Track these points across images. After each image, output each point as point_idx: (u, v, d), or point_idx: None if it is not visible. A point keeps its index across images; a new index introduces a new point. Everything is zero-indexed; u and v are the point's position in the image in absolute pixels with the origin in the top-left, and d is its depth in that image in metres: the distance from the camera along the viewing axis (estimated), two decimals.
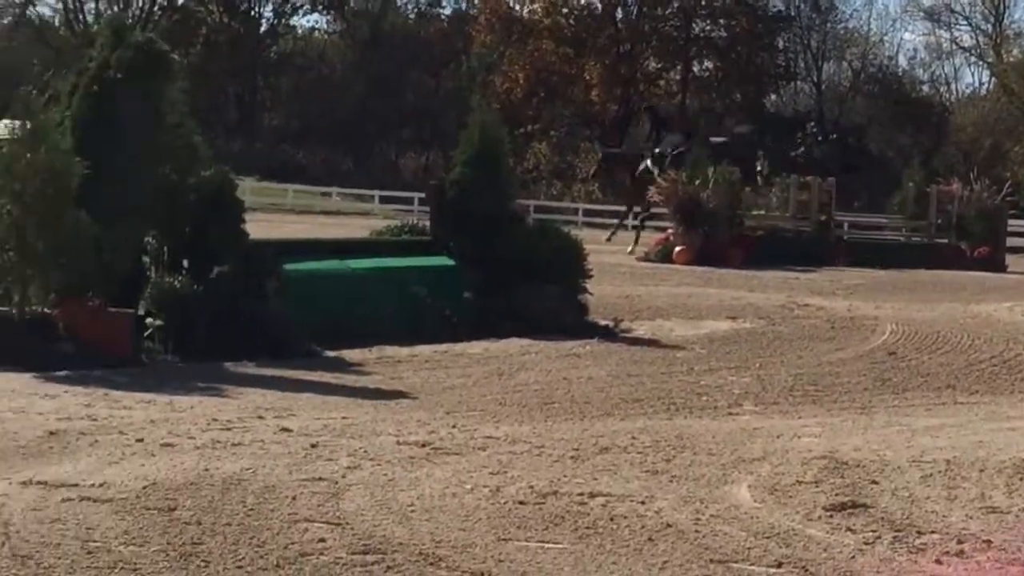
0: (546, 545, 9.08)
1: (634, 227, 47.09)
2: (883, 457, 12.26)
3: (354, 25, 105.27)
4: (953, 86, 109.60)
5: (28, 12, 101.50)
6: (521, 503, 10.13)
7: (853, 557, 9.14)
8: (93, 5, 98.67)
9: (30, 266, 16.02)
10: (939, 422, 14.72)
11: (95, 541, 8.69)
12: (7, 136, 16.57)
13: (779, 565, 8.87)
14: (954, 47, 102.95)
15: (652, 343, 20.76)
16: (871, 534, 9.68)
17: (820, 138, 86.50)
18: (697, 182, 41.22)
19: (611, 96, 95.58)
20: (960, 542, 9.59)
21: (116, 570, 8.13)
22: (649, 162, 47.51)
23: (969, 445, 13.05)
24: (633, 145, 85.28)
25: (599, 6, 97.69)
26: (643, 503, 10.27)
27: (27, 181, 15.99)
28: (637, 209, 50.00)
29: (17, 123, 16.57)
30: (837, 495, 10.72)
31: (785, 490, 10.92)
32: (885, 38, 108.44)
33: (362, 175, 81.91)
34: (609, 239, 42.95)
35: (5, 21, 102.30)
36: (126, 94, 17.08)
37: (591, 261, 22.76)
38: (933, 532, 9.82)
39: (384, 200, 71.40)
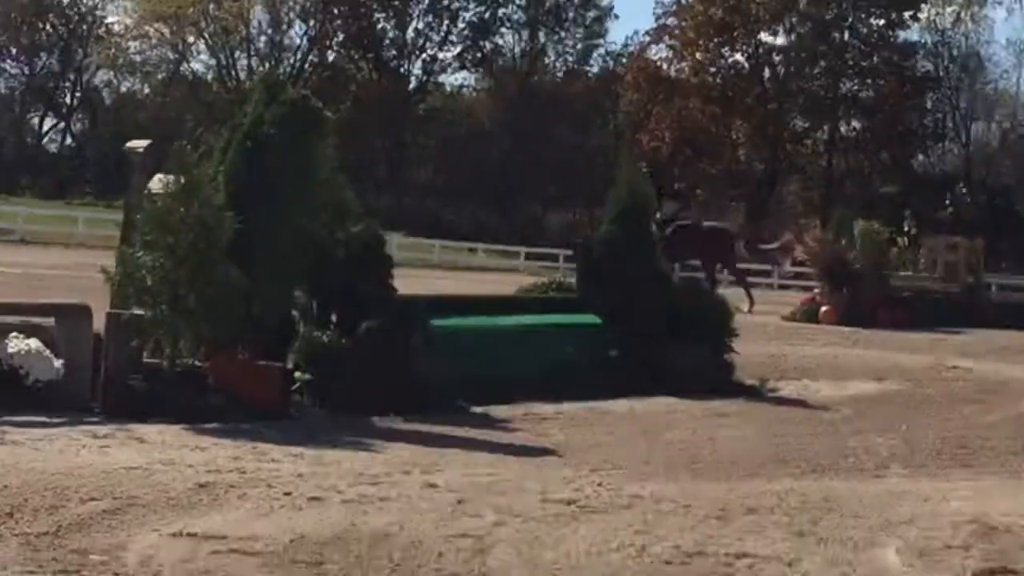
0: None
1: None
2: None
3: (502, 82, 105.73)
4: None
5: (182, 68, 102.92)
6: (667, 563, 10.10)
7: None
8: (245, 62, 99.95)
9: (181, 319, 16.18)
10: None
11: None
12: (161, 190, 16.76)
13: None
14: None
15: (798, 403, 20.61)
16: None
17: (968, 199, 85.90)
18: (843, 241, 41.07)
19: (757, 156, 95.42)
20: None
21: None
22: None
23: None
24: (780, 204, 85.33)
25: (747, 66, 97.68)
26: (790, 565, 10.21)
27: (180, 235, 16.19)
28: None
29: (171, 177, 16.76)
30: (987, 560, 10.59)
31: (933, 554, 10.82)
32: None
33: (508, 231, 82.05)
34: None
35: (160, 76, 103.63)
36: (279, 150, 17.25)
37: (736, 320, 22.69)
38: None
39: (530, 257, 71.65)
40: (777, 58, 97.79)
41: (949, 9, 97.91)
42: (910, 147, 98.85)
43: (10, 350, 15.43)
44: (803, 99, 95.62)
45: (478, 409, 17.54)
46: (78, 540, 9.70)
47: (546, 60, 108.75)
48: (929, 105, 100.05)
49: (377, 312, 17.39)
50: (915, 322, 37.20)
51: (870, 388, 22.96)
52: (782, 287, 58.10)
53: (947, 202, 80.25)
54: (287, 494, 11.71)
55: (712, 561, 10.19)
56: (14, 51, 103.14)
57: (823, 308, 39.05)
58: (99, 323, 16.25)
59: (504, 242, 75.91)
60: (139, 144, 18.67)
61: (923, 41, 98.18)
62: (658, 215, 43.08)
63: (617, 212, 22.39)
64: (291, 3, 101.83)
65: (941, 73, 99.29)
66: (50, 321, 16.28)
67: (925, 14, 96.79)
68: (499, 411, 17.60)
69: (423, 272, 42.20)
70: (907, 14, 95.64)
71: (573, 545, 10.42)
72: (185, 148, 16.84)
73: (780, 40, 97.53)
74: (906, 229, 48.46)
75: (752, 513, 12.00)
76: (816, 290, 41.78)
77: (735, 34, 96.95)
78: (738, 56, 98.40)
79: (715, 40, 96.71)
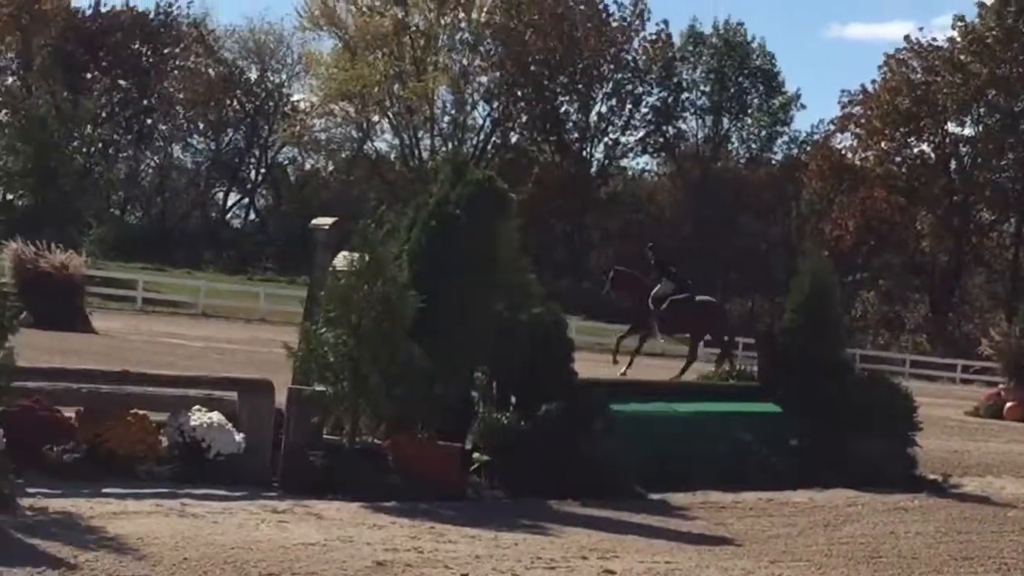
0: None
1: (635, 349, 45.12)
2: None
3: (684, 167, 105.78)
4: None
5: (365, 146, 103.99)
6: None
7: None
8: (428, 141, 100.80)
9: (363, 396, 16.27)
10: None
11: None
12: (346, 268, 16.90)
13: None
14: None
15: (982, 500, 20.30)
16: None
17: None
18: None
19: (942, 247, 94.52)
20: None
21: None
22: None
23: None
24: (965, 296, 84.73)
25: (932, 156, 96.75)
26: None
27: (363, 312, 16.30)
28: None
29: (356, 255, 16.90)
30: None
31: None
32: None
33: None
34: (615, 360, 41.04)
35: (343, 154, 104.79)
36: (464, 230, 17.33)
37: (925, 415, 22.43)
38: None
39: (710, 344, 71.30)
40: (964, 149, 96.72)
41: None
42: None
43: (192, 423, 15.59)
44: (990, 191, 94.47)
45: (656, 496, 17.45)
46: None
47: (729, 146, 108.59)
48: None
49: (557, 395, 17.36)
50: None
51: None
52: (964, 381, 57.36)
53: None
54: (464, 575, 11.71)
55: None
56: (201, 126, 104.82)
57: (1008, 404, 38.45)
58: (280, 398, 16.40)
59: None
60: (324, 221, 18.84)
61: None
62: (655, 291, 42.83)
63: (800, 301, 22.26)
64: (475, 84, 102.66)
65: None
66: (232, 395, 16.46)
67: None
68: (677, 498, 17.52)
69: (601, 357, 42.12)
70: None
71: None
72: (369, 226, 16.95)
73: (967, 131, 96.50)
74: None
75: None
76: (1001, 385, 41.14)
77: (921, 124, 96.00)
78: (924, 146, 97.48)
79: (901, 130, 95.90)
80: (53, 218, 63.77)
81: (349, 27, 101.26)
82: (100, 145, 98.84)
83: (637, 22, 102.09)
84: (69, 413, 15.30)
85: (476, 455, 16.72)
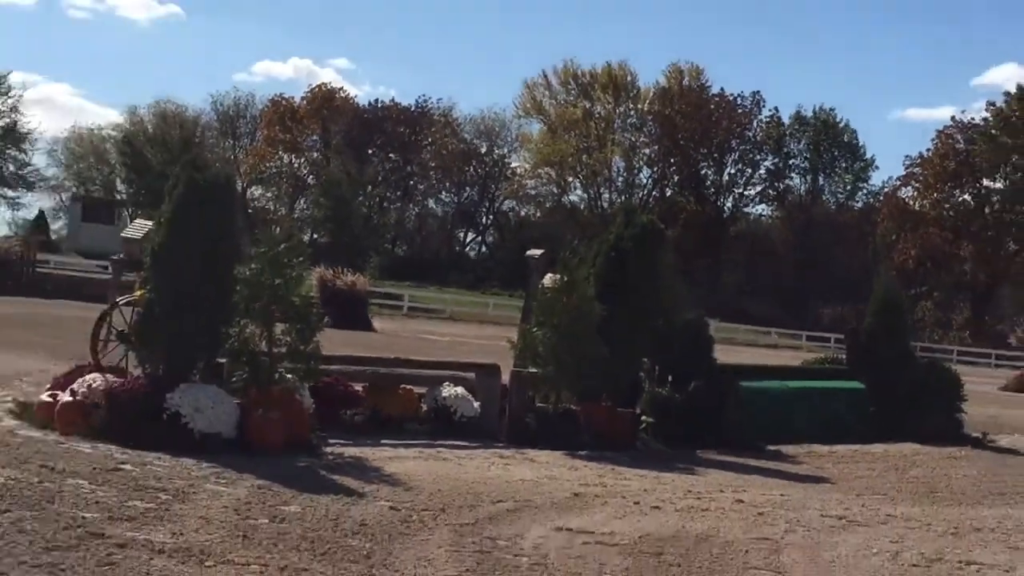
0: None
1: None
2: None
3: (791, 213, 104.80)
4: None
5: (562, 199, 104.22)
6: (914, 566, 9.84)
7: None
8: (608, 195, 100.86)
9: (563, 377, 16.36)
10: None
11: (607, 574, 8.78)
12: (550, 285, 17.01)
13: None
14: None
15: (1012, 451, 20.04)
16: None
17: None
18: None
19: (980, 269, 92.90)
20: None
21: None
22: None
23: None
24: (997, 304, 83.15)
25: (972, 203, 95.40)
26: (1007, 571, 9.87)
27: (562, 317, 16.39)
28: None
29: (557, 276, 17.01)
30: None
31: None
32: None
33: (793, 320, 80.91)
34: None
35: (547, 205, 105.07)
36: (634, 258, 17.37)
37: (969, 391, 22.08)
38: None
39: (809, 339, 70.92)
40: (995, 198, 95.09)
41: None
42: None
43: (444, 394, 15.83)
44: (1014, 228, 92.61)
45: (772, 447, 17.33)
46: (489, 530, 9.81)
47: (824, 196, 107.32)
48: None
49: (701, 375, 17.33)
50: None
51: None
52: (997, 366, 56.13)
53: None
54: (636, 503, 11.70)
55: (948, 566, 9.91)
56: (447, 185, 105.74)
57: None
58: (505, 377, 16.50)
59: (790, 328, 74.99)
60: (535, 252, 18.92)
61: None
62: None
63: (876, 308, 22.10)
64: (641, 154, 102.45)
65: None
66: (471, 375, 16.60)
67: None
68: (788, 449, 17.40)
69: (730, 348, 41.80)
70: None
71: (843, 550, 10.22)
72: (567, 257, 17.05)
73: (998, 184, 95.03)
74: None
75: (978, 532, 11.64)
76: None
77: (963, 180, 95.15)
78: (966, 196, 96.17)
79: (948, 184, 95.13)
80: (346, 251, 64.77)
81: (551, 115, 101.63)
82: (377, 200, 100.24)
83: (755, 109, 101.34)
84: (358, 387, 15.53)
85: (644, 418, 16.77)
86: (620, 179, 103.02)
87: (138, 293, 13.92)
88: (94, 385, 12.80)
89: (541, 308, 17.00)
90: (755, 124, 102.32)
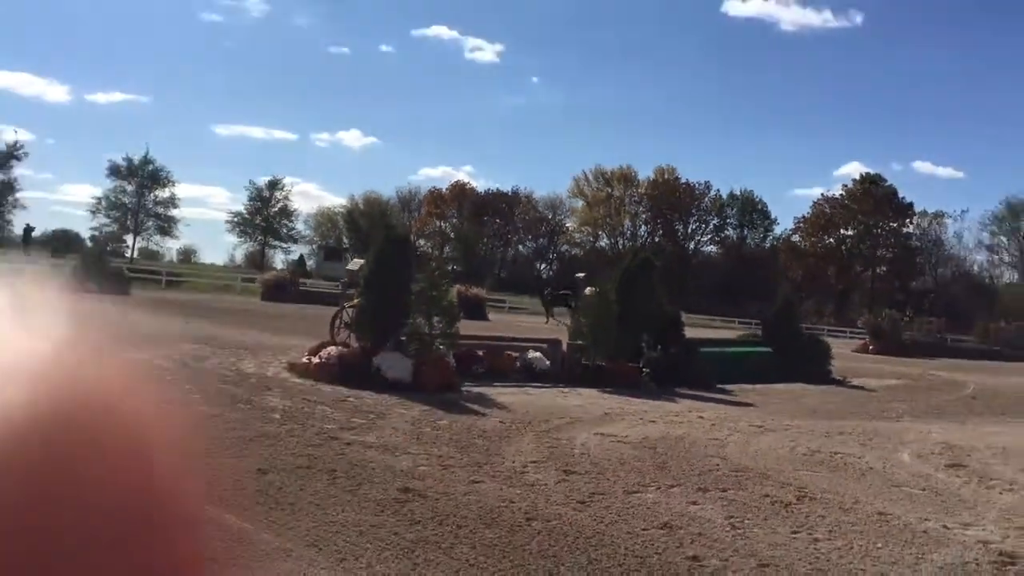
0: (815, 472, 8.62)
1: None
2: (972, 444, 11.16)
3: (728, 250, 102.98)
4: None
5: (595, 245, 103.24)
6: (804, 454, 9.65)
7: (960, 488, 8.35)
8: (621, 242, 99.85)
9: (597, 345, 16.14)
10: (999, 429, 13.27)
11: (623, 458, 8.72)
12: (590, 294, 16.98)
13: (923, 489, 8.18)
14: None
15: (860, 388, 19.42)
16: (968, 478, 8.82)
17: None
18: (879, 317, 39.06)
19: (840, 282, 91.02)
20: (1011, 482, 8.64)
21: (624, 467, 8.12)
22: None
23: (1015, 440, 11.76)
24: (851, 302, 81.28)
25: (834, 243, 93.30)
26: (859, 458, 9.66)
27: (596, 312, 16.27)
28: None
29: (595, 288, 16.98)
30: (951, 460, 9.81)
31: (925, 456, 10.06)
32: None
33: (730, 311, 78.94)
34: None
35: (586, 248, 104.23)
36: (638, 278, 17.19)
37: (834, 353, 21.53)
38: (999, 478, 8.88)
39: (740, 323, 69.01)
40: (848, 241, 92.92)
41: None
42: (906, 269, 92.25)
43: (529, 357, 15.72)
44: (860, 258, 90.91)
45: (720, 386, 16.99)
46: (556, 434, 9.78)
47: (747, 241, 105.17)
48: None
49: (677, 344, 17.12)
50: (910, 352, 34.88)
51: (894, 382, 21.53)
52: (851, 337, 54.82)
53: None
54: (640, 419, 11.59)
55: (823, 455, 9.70)
56: (529, 236, 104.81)
57: (870, 347, 37.18)
58: (563, 347, 16.41)
59: (729, 316, 73.50)
60: (580, 275, 18.99)
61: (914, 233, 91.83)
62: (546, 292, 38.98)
63: (779, 304, 21.73)
64: (640, 218, 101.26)
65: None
66: (544, 345, 16.52)
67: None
68: (729, 388, 16.99)
69: (694, 328, 41.46)
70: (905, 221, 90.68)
71: (762, 446, 10.04)
72: (598, 279, 16.95)
73: (849, 232, 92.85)
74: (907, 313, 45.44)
75: (841, 435, 11.39)
76: (866, 339, 39.56)
77: (828, 230, 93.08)
78: (830, 239, 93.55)
79: (820, 232, 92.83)
80: (471, 275, 64.55)
81: (588, 196, 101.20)
82: (489, 246, 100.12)
83: (706, 190, 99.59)
84: (480, 352, 15.52)
85: (644, 370, 16.54)
86: (628, 232, 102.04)
87: (355, 300, 14.11)
88: (332, 353, 12.98)
89: (584, 307, 16.92)
90: (706, 199, 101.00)
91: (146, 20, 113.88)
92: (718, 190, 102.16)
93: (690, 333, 19.10)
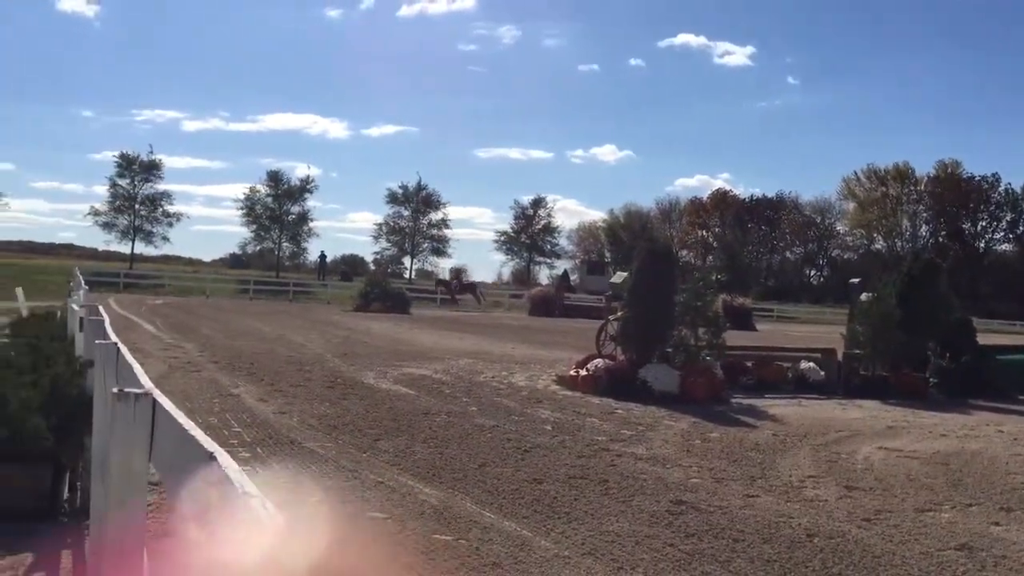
0: None
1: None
2: None
3: None
4: None
5: (871, 248, 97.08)
6: None
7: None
8: (899, 244, 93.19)
9: (876, 355, 15.15)
10: None
11: (911, 474, 8.13)
12: (866, 300, 15.98)
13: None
14: None
15: None
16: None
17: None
18: None
19: None
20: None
21: (912, 484, 7.55)
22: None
23: None
24: None
25: None
26: None
27: (874, 319, 15.29)
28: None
29: (870, 295, 16.03)
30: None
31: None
32: None
33: None
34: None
35: (860, 252, 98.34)
36: (920, 282, 15.96)
37: None
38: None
39: None
40: None
41: None
42: None
43: (801, 367, 15.12)
44: None
45: (1021, 397, 15.41)
46: (834, 448, 9.33)
47: None
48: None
49: (968, 352, 15.76)
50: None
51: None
52: None
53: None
54: (929, 432, 10.82)
55: None
56: (796, 242, 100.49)
57: None
58: (838, 356, 15.58)
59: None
60: (855, 280, 17.94)
61: None
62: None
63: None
64: (920, 217, 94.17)
65: None
66: (816, 355, 15.78)
67: None
68: None
69: (987, 335, 37.80)
70: None
71: None
72: (874, 282, 15.98)
73: None
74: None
75: None
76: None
77: None
78: None
79: None
80: (736, 284, 62.65)
81: (860, 196, 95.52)
82: (754, 253, 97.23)
83: (995, 183, 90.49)
84: (748, 363, 15.11)
85: (931, 380, 15.37)
86: (907, 233, 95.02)
87: (619, 313, 14.26)
88: (599, 365, 13.19)
89: (861, 314, 15.94)
90: (996, 192, 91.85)
91: (410, 56, 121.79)
92: (1009, 183, 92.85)
93: (984, 340, 17.50)
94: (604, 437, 9.25)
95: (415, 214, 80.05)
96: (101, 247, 74.71)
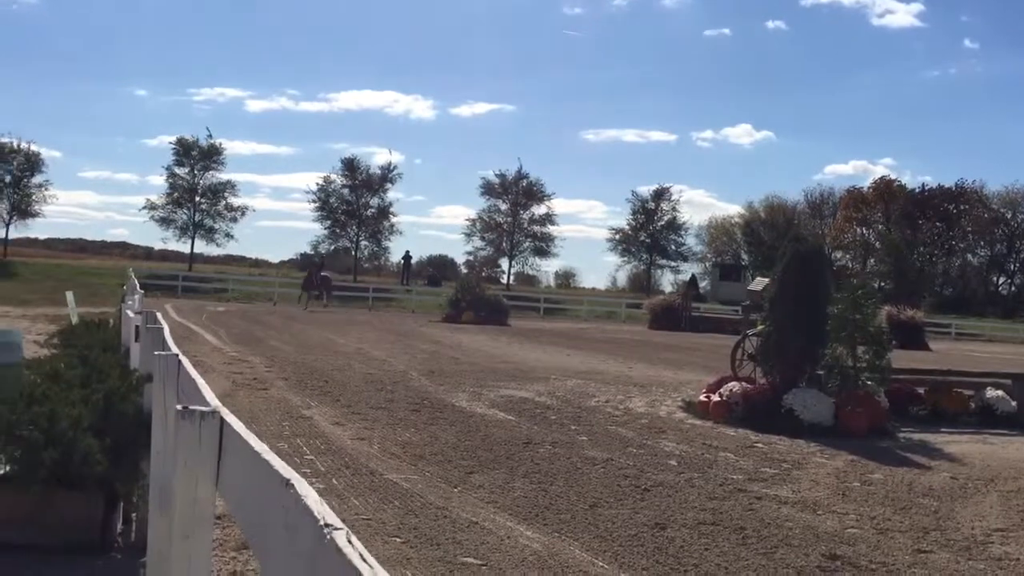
0: None
1: None
2: None
3: None
4: None
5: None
6: None
7: None
8: None
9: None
10: None
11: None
12: None
13: None
14: None
15: None
16: None
17: None
18: None
19: None
20: None
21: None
22: None
23: None
24: None
25: None
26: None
27: None
28: None
29: None
30: None
31: None
32: None
33: None
34: None
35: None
36: None
37: None
38: None
39: None
40: None
41: None
42: None
43: (987, 395, 14.62)
44: None
45: None
46: None
47: None
48: None
49: None
50: None
51: None
52: None
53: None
54: None
55: None
56: (981, 242, 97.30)
57: None
58: None
59: None
60: None
61: None
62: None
63: None
64: None
65: None
66: (1006, 381, 15.22)
67: None
68: None
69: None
70: None
71: None
72: None
73: None
74: None
75: None
76: None
77: None
78: None
79: None
80: (905, 293, 61.48)
81: None
82: (927, 256, 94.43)
83: None
84: (919, 390, 14.69)
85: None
86: None
87: (759, 327, 14.07)
88: (734, 390, 13.06)
89: None
90: None
91: (504, 21, 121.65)
92: None
93: None
94: (741, 475, 9.13)
95: (514, 208, 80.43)
96: (157, 245, 77.65)
